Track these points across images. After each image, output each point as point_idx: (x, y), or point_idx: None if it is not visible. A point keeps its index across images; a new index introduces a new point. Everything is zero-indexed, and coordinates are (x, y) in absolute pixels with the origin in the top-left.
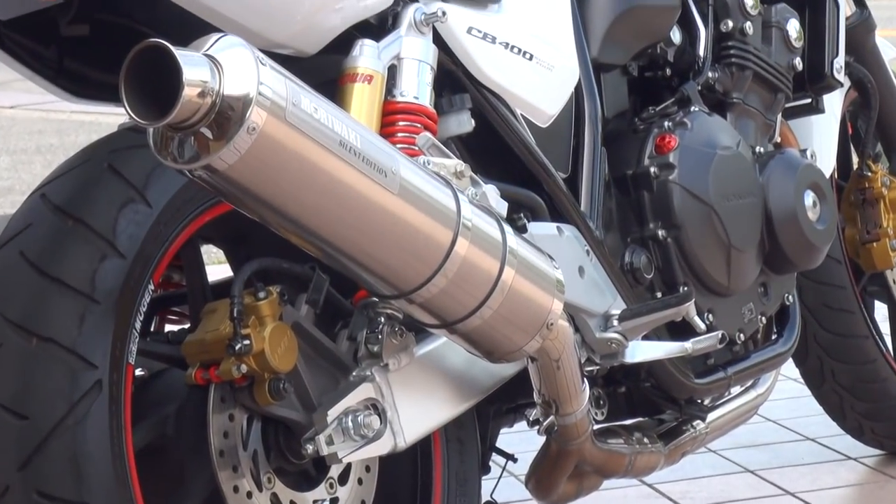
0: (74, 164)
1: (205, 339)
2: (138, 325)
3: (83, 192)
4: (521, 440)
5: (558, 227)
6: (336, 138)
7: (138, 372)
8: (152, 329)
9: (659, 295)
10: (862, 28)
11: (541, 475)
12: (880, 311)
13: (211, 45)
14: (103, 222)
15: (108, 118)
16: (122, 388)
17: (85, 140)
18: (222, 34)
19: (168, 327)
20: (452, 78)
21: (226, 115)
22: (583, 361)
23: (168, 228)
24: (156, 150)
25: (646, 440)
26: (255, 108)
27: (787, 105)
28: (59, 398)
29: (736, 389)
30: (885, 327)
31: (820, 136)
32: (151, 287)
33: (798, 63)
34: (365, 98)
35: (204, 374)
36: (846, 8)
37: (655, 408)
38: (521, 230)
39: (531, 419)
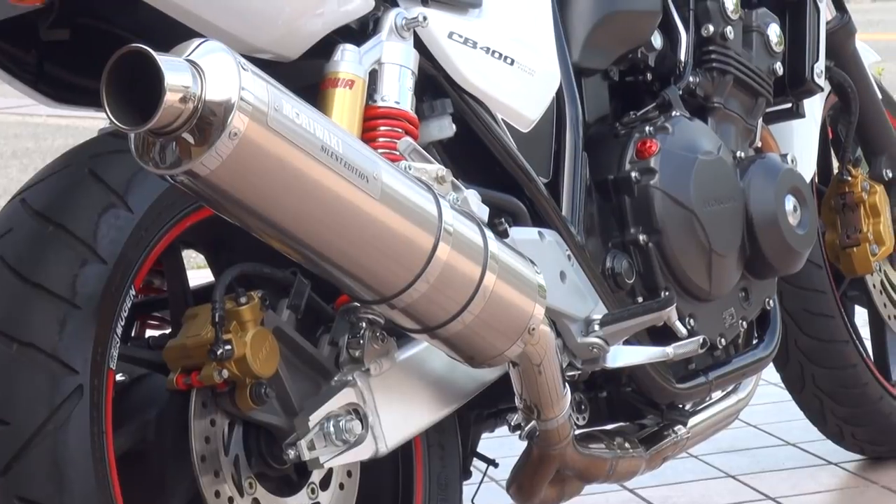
0: (55, 169)
1: (186, 345)
2: (119, 330)
3: (64, 197)
4: (501, 445)
5: (539, 232)
6: (318, 143)
7: (119, 377)
8: (133, 334)
9: (640, 300)
10: (842, 32)
11: (522, 480)
12: (860, 315)
13: (193, 51)
14: (84, 227)
15: (86, 122)
16: (102, 394)
17: (62, 144)
18: (204, 39)
19: (149, 332)
20: (434, 83)
21: (208, 121)
22: (564, 366)
23: (149, 233)
24: (137, 156)
25: (627, 445)
26: (237, 114)
27: (768, 110)
28: (39, 403)
29: (717, 394)
30: (865, 332)
31: (800, 141)
32: (133, 292)
33: (778, 68)
34: (346, 103)
35: (185, 380)
36: (826, 12)
37: (637, 413)
38: (502, 235)
39: (512, 424)
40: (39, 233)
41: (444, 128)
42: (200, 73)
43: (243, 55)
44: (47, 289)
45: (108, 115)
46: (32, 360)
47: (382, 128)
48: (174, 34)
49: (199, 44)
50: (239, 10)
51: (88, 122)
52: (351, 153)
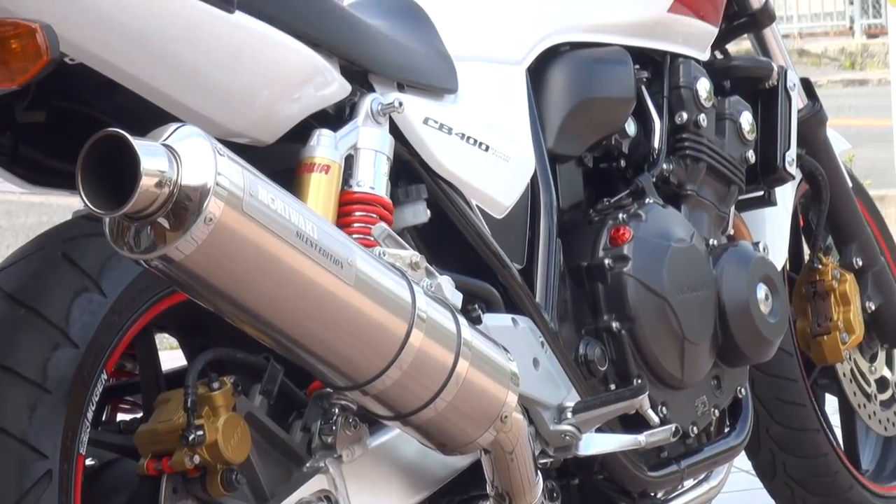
0: (28, 252)
1: (157, 430)
2: (90, 415)
3: (36, 280)
4: None
5: (513, 319)
6: (293, 229)
7: (89, 462)
8: (104, 418)
9: (613, 387)
10: (813, 121)
11: None
12: (831, 403)
13: (169, 135)
14: (56, 311)
15: (59, 199)
16: (72, 479)
17: (35, 221)
18: (181, 124)
19: (120, 416)
20: (409, 168)
21: (183, 206)
22: (536, 454)
23: (122, 318)
24: (112, 240)
25: None
26: (213, 199)
27: (740, 197)
28: (8, 488)
29: (689, 482)
30: (834, 420)
31: (772, 229)
32: (104, 376)
33: (751, 155)
34: (322, 188)
35: (156, 465)
36: (798, 101)
37: (609, 500)
38: (475, 322)
39: None
40: (11, 316)
41: (418, 213)
42: (176, 157)
43: (220, 139)
44: (18, 373)
45: (83, 198)
46: (2, 445)
47: (357, 213)
48: (152, 117)
49: (176, 128)
50: (216, 94)
51: (62, 200)
52: (326, 239)
